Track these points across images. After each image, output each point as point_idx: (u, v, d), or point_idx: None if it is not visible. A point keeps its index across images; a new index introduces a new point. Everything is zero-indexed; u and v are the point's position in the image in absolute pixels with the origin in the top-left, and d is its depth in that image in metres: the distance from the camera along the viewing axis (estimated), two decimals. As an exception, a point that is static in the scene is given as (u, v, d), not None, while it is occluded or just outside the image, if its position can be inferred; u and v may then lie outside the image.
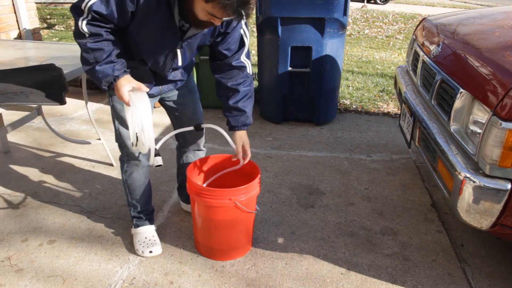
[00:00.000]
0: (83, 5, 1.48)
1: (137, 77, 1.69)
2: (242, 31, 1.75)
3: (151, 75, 1.77)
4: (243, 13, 1.42)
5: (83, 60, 1.59)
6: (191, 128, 1.96)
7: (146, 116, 1.59)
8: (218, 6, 1.39)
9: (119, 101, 1.80)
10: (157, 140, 1.78)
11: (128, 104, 1.59)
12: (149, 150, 1.68)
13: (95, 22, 1.51)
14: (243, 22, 1.69)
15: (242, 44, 1.78)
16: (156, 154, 1.76)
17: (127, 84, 1.58)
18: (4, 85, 2.00)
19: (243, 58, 1.82)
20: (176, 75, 1.86)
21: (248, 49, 1.83)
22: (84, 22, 1.50)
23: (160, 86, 1.86)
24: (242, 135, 1.91)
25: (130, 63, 1.68)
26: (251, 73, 1.87)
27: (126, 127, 1.84)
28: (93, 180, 2.68)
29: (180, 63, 1.74)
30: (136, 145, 1.64)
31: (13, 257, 1.99)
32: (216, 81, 1.87)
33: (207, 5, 1.41)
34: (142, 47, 1.67)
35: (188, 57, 1.78)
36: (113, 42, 1.58)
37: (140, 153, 1.92)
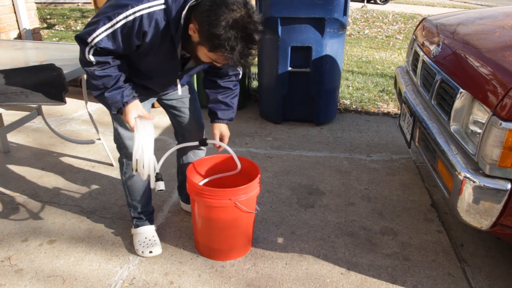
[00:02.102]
0: (89, 39, 1.48)
1: (140, 86, 1.75)
2: None
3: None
4: (244, 64, 1.47)
5: (92, 86, 1.61)
6: (196, 143, 2.01)
7: (148, 144, 1.64)
8: (222, 57, 1.44)
9: None
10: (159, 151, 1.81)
11: (132, 130, 1.65)
12: (149, 176, 1.73)
13: (102, 51, 1.53)
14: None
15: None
16: (159, 179, 1.79)
17: (134, 111, 1.63)
18: (4, 85, 2.00)
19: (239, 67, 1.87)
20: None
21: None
22: (91, 51, 1.51)
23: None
24: (223, 127, 1.98)
25: (131, 82, 1.72)
26: (240, 76, 1.96)
27: (125, 128, 1.85)
28: (93, 180, 2.68)
29: (180, 92, 1.82)
30: (137, 170, 1.68)
31: (13, 257, 1.99)
32: (208, 79, 1.93)
33: (211, 53, 1.46)
34: (143, 73, 1.70)
35: (187, 79, 1.84)
36: (120, 66, 1.60)
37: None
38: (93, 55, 1.52)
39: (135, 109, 1.63)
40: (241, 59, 1.43)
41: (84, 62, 1.57)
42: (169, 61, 1.62)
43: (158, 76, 1.72)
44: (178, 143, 2.18)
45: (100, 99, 1.63)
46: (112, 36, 1.47)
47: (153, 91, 1.84)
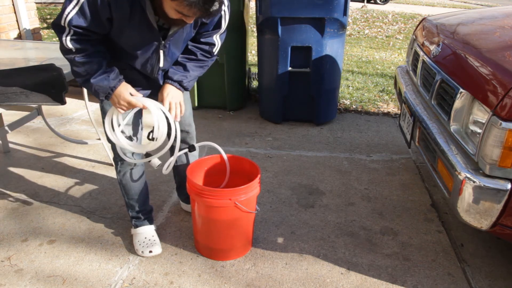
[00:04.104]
0: (62, 21, 1.48)
1: (129, 80, 1.72)
2: (222, 13, 1.71)
3: (142, 79, 1.79)
4: (211, 11, 1.42)
5: (75, 73, 1.61)
6: (185, 150, 2.03)
7: (161, 113, 1.70)
8: (183, 4, 1.39)
9: (108, 103, 1.81)
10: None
11: (144, 107, 1.67)
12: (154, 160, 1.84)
13: (78, 36, 1.52)
14: (225, 5, 1.65)
15: (218, 25, 1.76)
16: (148, 155, 1.82)
17: (125, 91, 1.63)
18: (4, 84, 2.00)
19: (215, 37, 1.80)
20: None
21: (224, 32, 1.80)
22: (68, 38, 1.52)
23: (151, 90, 1.87)
24: (170, 90, 1.76)
25: (121, 66, 1.70)
26: (216, 54, 1.84)
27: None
28: (93, 180, 2.68)
29: (161, 64, 1.73)
30: (154, 139, 1.76)
31: (13, 257, 1.99)
32: None
33: (173, 3, 1.41)
34: (126, 51, 1.68)
35: (176, 54, 1.76)
36: (100, 52, 1.60)
37: (133, 153, 1.92)
38: (71, 41, 1.52)
39: (126, 89, 1.63)
40: (204, 4, 1.38)
41: (63, 50, 1.57)
42: (146, 32, 1.58)
43: (141, 51, 1.66)
44: (172, 144, 2.18)
45: (86, 85, 1.63)
46: (81, 12, 1.47)
47: (146, 81, 1.80)
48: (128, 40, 1.62)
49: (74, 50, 1.54)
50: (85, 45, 1.55)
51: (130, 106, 1.68)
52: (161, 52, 1.68)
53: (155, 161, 1.83)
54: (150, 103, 1.69)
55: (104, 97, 1.64)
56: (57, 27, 1.52)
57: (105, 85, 1.60)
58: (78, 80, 1.63)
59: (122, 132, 1.80)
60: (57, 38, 1.57)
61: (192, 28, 1.70)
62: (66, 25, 1.49)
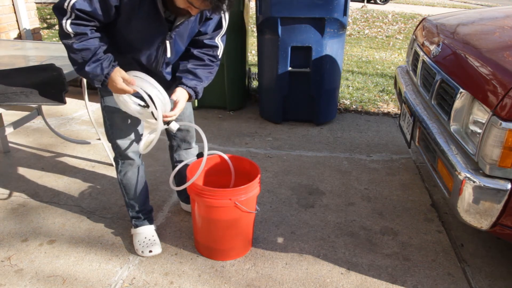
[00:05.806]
0: (66, 4, 1.46)
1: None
2: (222, 14, 1.73)
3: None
4: (221, 8, 1.43)
5: (71, 60, 1.59)
6: (194, 159, 2.11)
7: (156, 83, 1.65)
8: None
9: (110, 102, 1.80)
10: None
11: (130, 92, 1.62)
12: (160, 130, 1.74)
13: (79, 21, 1.50)
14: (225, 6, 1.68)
15: (219, 26, 1.77)
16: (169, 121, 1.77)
17: (119, 77, 1.60)
18: (4, 85, 2.00)
19: (217, 39, 1.81)
20: (169, 73, 1.84)
21: (224, 32, 1.82)
22: (68, 22, 1.49)
23: None
24: (183, 94, 1.77)
25: (125, 61, 1.69)
26: (220, 56, 1.86)
27: (118, 128, 1.83)
28: (93, 180, 2.68)
29: (169, 55, 1.72)
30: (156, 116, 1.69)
31: (13, 257, 1.99)
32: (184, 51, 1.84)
33: None
34: (132, 43, 1.66)
35: (181, 47, 1.77)
36: (99, 38, 1.58)
37: (133, 152, 1.92)
38: (71, 25, 1.49)
39: (118, 76, 1.60)
40: (217, 0, 1.39)
41: (62, 35, 1.54)
42: (154, 22, 1.57)
43: (148, 42, 1.65)
44: (171, 143, 2.18)
45: (81, 73, 1.61)
46: None
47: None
48: (135, 30, 1.61)
49: (72, 35, 1.51)
50: (85, 30, 1.52)
51: (126, 92, 1.65)
52: (168, 43, 1.68)
53: (174, 126, 1.80)
54: (140, 87, 1.64)
55: (100, 84, 1.62)
56: (59, 9, 1.49)
57: (99, 73, 1.57)
58: (75, 68, 1.60)
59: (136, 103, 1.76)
60: (57, 38, 1.56)
61: (197, 23, 1.71)
62: (69, 8, 1.46)
